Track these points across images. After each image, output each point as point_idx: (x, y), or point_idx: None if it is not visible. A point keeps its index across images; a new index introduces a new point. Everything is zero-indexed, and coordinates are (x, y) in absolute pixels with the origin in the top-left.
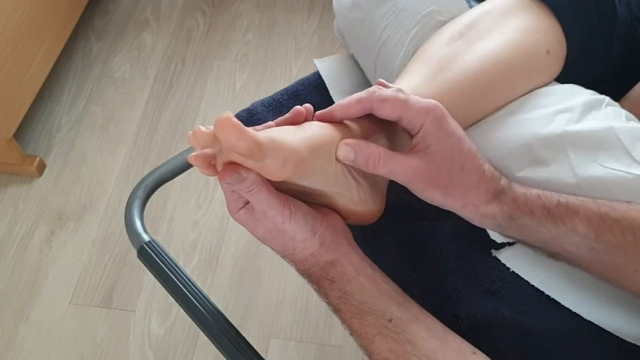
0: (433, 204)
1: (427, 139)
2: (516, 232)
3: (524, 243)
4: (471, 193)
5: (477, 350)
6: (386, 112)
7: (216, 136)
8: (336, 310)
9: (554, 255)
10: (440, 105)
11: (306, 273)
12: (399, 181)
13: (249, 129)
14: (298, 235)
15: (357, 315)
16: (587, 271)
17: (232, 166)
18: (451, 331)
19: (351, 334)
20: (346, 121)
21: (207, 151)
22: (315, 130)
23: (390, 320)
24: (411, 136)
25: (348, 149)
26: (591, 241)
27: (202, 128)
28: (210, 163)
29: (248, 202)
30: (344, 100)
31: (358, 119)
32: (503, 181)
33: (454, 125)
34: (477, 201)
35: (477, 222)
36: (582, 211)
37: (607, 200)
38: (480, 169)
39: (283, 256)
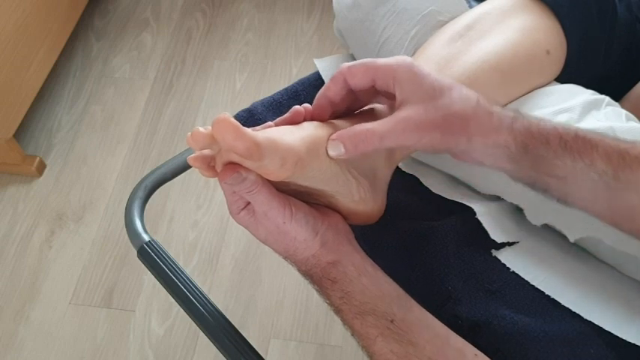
0: (440, 152)
1: (404, 88)
2: (531, 165)
3: (536, 185)
4: (471, 122)
5: (478, 352)
6: (358, 79)
7: (214, 137)
8: (338, 311)
9: (566, 197)
10: (406, 57)
11: (308, 274)
12: (398, 145)
13: (247, 129)
14: (299, 236)
15: (358, 316)
16: (599, 217)
17: (232, 166)
18: (453, 332)
19: (352, 335)
20: (342, 121)
21: (207, 152)
22: (313, 130)
23: (392, 321)
24: (393, 100)
25: (336, 143)
26: (609, 179)
27: (200, 129)
28: (210, 165)
29: (249, 204)
30: (322, 87)
31: (353, 118)
32: (510, 111)
33: (426, 68)
34: (481, 130)
35: (489, 155)
36: (601, 146)
37: (627, 139)
38: (472, 98)
39: (285, 257)
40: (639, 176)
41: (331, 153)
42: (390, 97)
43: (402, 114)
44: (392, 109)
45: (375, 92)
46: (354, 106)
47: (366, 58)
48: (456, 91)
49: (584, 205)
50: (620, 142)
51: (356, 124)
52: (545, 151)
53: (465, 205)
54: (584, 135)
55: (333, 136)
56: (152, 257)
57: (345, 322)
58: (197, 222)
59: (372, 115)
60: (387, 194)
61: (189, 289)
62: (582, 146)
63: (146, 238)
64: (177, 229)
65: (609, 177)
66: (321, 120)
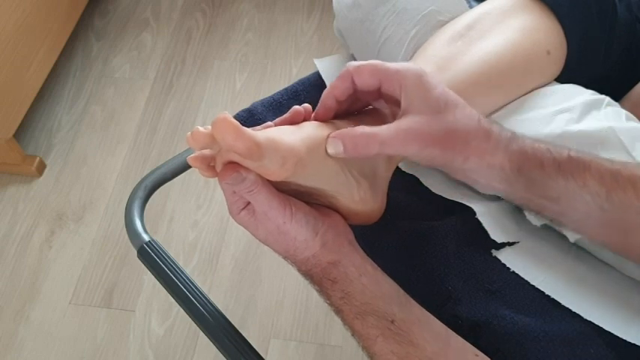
0: (437, 166)
1: (410, 97)
2: (525, 187)
3: (530, 206)
4: (471, 143)
5: (479, 352)
6: (365, 78)
7: (214, 137)
8: (338, 311)
9: (560, 217)
10: (418, 66)
11: (308, 274)
12: (397, 152)
13: (247, 129)
14: (300, 236)
15: (359, 316)
16: (594, 239)
17: (232, 166)
18: (453, 333)
19: (353, 336)
20: (343, 121)
21: (207, 152)
22: (313, 130)
23: (393, 321)
24: (398, 106)
25: (336, 141)
26: (602, 200)
27: (200, 129)
28: (210, 165)
29: (249, 204)
30: (329, 87)
31: (354, 119)
32: (507, 132)
33: (435, 79)
34: (479, 151)
35: (483, 175)
36: (594, 167)
37: (619, 160)
38: (474, 117)
39: (285, 258)
40: (632, 198)
41: (330, 151)
42: (392, 102)
43: (405, 123)
44: (394, 114)
45: (377, 95)
46: (353, 107)
47: (366, 58)
48: (460, 109)
49: (577, 227)
50: (614, 163)
51: (356, 125)
52: (539, 174)
53: (465, 205)
54: (577, 156)
55: (333, 134)
56: (152, 257)
57: (345, 322)
58: (197, 222)
59: (373, 118)
60: (387, 194)
61: (189, 289)
62: (575, 167)
63: (146, 238)
64: (177, 229)
65: (602, 199)
66: (327, 119)
